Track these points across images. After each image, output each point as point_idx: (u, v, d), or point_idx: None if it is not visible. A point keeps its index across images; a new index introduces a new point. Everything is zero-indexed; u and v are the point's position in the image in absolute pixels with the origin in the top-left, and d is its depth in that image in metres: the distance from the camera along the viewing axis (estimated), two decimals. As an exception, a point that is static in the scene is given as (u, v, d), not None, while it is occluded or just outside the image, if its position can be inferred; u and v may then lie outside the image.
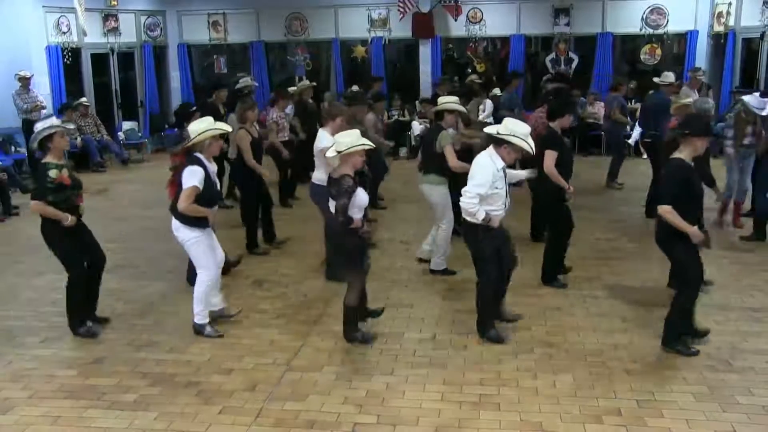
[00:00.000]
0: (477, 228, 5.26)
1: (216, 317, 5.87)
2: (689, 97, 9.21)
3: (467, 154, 5.97)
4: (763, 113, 7.71)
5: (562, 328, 5.69)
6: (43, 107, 12.26)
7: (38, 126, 5.52)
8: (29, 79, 12.21)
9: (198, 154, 5.43)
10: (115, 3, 14.33)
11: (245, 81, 11.49)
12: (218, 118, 7.41)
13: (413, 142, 13.96)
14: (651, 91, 10.01)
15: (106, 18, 14.52)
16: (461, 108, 7.03)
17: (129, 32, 15.12)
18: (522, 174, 6.05)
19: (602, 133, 13.39)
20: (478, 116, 10.29)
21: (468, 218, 5.28)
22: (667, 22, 14.33)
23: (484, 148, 5.44)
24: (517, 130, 5.19)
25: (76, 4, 12.84)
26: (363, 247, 5.43)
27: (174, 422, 4.40)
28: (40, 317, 6.17)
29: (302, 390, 4.76)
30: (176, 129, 7.33)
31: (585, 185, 10.14)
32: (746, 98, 7.93)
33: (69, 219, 5.44)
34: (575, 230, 6.69)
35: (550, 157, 6.27)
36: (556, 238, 6.61)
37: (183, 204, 5.33)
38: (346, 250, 5.32)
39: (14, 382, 4.99)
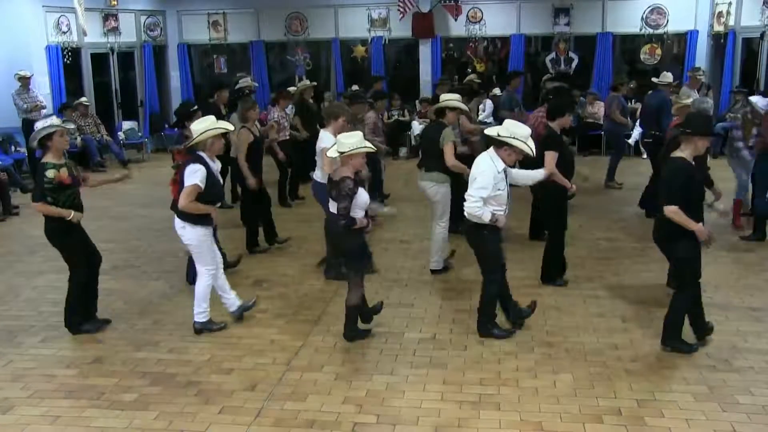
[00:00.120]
0: (482, 228, 5.27)
1: (239, 315, 5.91)
2: (690, 98, 9.21)
3: (469, 159, 5.95)
4: None
5: (562, 327, 5.69)
6: (43, 107, 12.25)
7: (38, 125, 5.52)
8: (29, 78, 12.21)
9: (201, 153, 5.45)
10: (115, 3, 14.32)
11: (245, 81, 11.50)
12: (220, 118, 7.42)
13: (413, 142, 13.96)
14: (650, 91, 10.01)
15: (106, 18, 14.51)
16: (463, 106, 7.02)
17: (129, 32, 15.12)
18: (538, 176, 5.87)
19: (602, 133, 13.40)
20: (478, 116, 10.29)
21: (473, 219, 5.28)
22: (667, 22, 14.33)
23: (485, 149, 5.44)
24: (517, 132, 5.19)
25: (76, 3, 12.83)
26: (364, 246, 5.43)
27: (174, 422, 4.39)
28: (39, 317, 6.17)
29: (302, 390, 4.76)
30: (176, 129, 7.32)
31: (585, 185, 10.13)
32: (753, 99, 7.95)
33: (72, 215, 5.46)
34: (575, 230, 6.68)
35: (550, 158, 6.26)
36: (557, 238, 6.61)
37: (183, 202, 5.34)
38: (346, 249, 5.33)
39: (14, 381, 4.99)
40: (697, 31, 14.18)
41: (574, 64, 14.95)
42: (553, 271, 6.63)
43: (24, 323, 6.04)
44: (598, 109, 13.53)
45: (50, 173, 5.36)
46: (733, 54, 13.60)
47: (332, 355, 5.30)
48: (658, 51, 14.66)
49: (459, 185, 6.38)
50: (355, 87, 12.54)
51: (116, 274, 7.06)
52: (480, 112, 10.85)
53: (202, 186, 5.35)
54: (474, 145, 8.26)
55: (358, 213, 5.24)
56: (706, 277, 5.43)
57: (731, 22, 13.48)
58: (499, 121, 8.25)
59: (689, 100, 8.56)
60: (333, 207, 5.26)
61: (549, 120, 6.63)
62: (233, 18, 15.84)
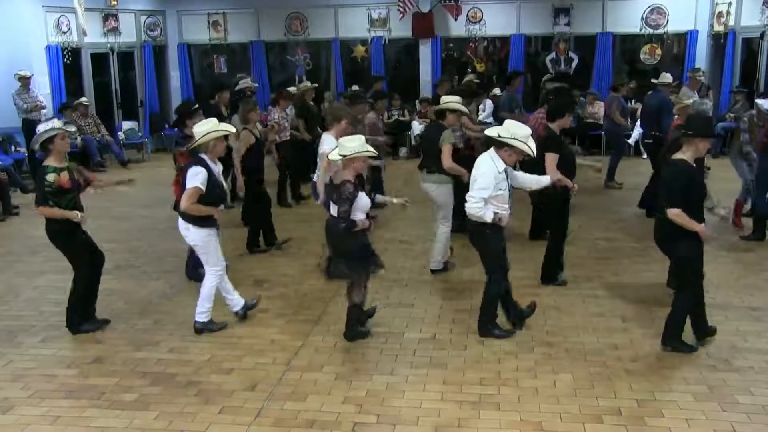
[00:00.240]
0: (485, 227, 5.27)
1: (243, 314, 5.93)
2: (691, 98, 9.22)
3: (470, 159, 5.94)
4: None
5: (562, 327, 5.69)
6: (43, 107, 12.26)
7: (40, 128, 5.53)
8: (29, 78, 12.21)
9: (202, 155, 5.46)
10: (115, 3, 14.32)
11: (245, 82, 11.50)
12: (221, 120, 7.43)
13: (413, 142, 13.96)
14: (650, 92, 10.00)
15: (106, 18, 14.51)
16: (463, 108, 7.02)
17: (129, 32, 15.12)
18: (544, 181, 5.81)
19: (602, 133, 13.40)
20: (477, 116, 10.29)
21: (475, 219, 5.29)
22: (667, 22, 14.33)
23: (485, 150, 5.45)
24: (517, 132, 5.20)
25: (76, 3, 12.83)
26: (366, 247, 5.43)
27: (174, 422, 4.40)
28: (40, 317, 6.17)
29: (302, 390, 4.76)
30: (176, 129, 7.32)
31: (585, 185, 10.13)
32: (759, 102, 7.96)
33: (78, 216, 5.47)
34: (575, 230, 6.69)
35: (551, 159, 6.26)
36: (558, 238, 6.61)
37: (185, 204, 5.37)
38: (346, 251, 5.34)
39: (14, 381, 4.99)
40: (697, 31, 14.18)
41: (574, 64, 14.95)
42: (552, 272, 6.63)
43: (24, 323, 6.04)
44: (598, 109, 13.53)
45: (50, 177, 5.37)
46: (733, 54, 13.60)
47: (332, 355, 5.30)
48: (658, 51, 14.66)
49: (460, 185, 6.38)
50: (355, 87, 12.53)
51: (117, 274, 7.07)
52: (480, 113, 10.85)
53: (204, 188, 5.36)
54: (475, 145, 8.25)
55: (358, 215, 5.24)
56: (706, 276, 5.43)
57: (731, 22, 13.47)
58: (499, 121, 8.24)
59: (690, 101, 8.58)
60: (333, 210, 5.26)
61: (549, 121, 6.63)
62: (233, 18, 15.84)
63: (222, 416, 4.45)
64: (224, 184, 5.82)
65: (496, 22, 14.96)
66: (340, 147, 5.25)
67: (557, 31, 14.79)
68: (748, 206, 8.51)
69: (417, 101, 15.00)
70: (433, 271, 7.03)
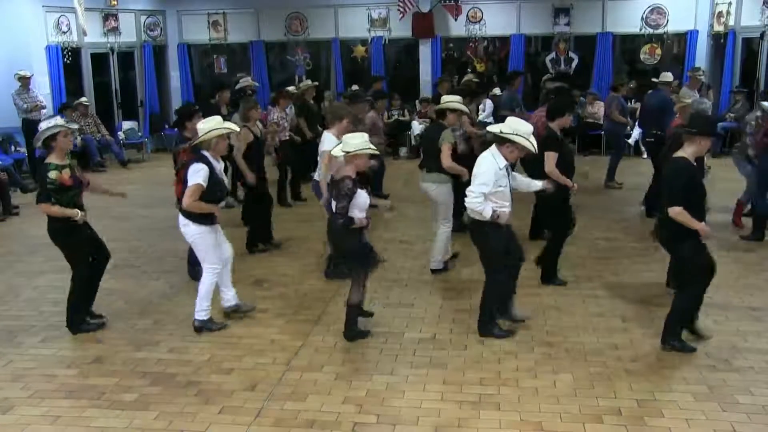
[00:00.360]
0: (484, 225, 5.28)
1: (230, 312, 5.93)
2: (691, 98, 9.21)
3: (470, 158, 5.95)
4: None
5: (562, 327, 5.69)
6: (43, 107, 12.25)
7: (42, 125, 5.54)
8: (29, 78, 12.20)
9: (204, 152, 5.47)
10: (115, 3, 14.32)
11: (246, 81, 11.51)
12: (223, 119, 7.45)
13: (413, 142, 13.96)
14: (650, 91, 10.00)
15: (106, 18, 14.51)
16: (464, 108, 7.02)
17: (129, 32, 15.11)
18: (537, 185, 5.86)
19: (602, 133, 13.40)
20: (477, 116, 10.28)
21: (475, 216, 5.30)
22: (667, 21, 14.32)
23: (484, 150, 5.45)
24: (520, 128, 5.22)
25: (76, 3, 12.83)
26: (366, 246, 5.43)
27: (174, 422, 4.40)
28: (40, 317, 6.17)
29: (302, 390, 4.76)
30: (176, 129, 7.32)
31: (585, 185, 10.14)
32: (765, 104, 7.95)
33: (79, 215, 5.48)
34: (575, 230, 6.68)
35: (550, 158, 6.28)
36: (558, 238, 6.61)
37: (187, 201, 5.38)
38: (346, 249, 5.34)
39: (14, 381, 4.99)
40: (697, 31, 14.18)
41: (574, 64, 14.95)
42: (552, 271, 6.64)
43: (24, 323, 6.04)
44: (598, 109, 13.53)
45: (52, 174, 5.38)
46: (733, 54, 13.60)
47: (332, 355, 5.30)
48: (658, 51, 14.65)
49: (459, 184, 6.38)
50: (355, 87, 12.54)
51: (117, 273, 7.06)
52: (480, 112, 10.84)
53: (205, 185, 5.37)
54: (474, 145, 8.25)
55: (356, 213, 5.24)
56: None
57: (731, 22, 13.47)
58: (499, 120, 8.24)
59: (689, 100, 8.56)
60: (334, 206, 5.28)
61: (549, 120, 6.63)
62: (233, 18, 15.84)
63: (222, 416, 4.45)
64: (226, 181, 5.83)
65: (496, 22, 14.95)
66: (344, 144, 5.28)
67: (557, 31, 14.78)
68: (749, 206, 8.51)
69: (417, 101, 14.99)
70: (433, 271, 7.03)
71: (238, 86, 11.26)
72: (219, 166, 5.62)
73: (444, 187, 6.75)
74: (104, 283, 6.05)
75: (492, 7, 14.92)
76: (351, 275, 5.43)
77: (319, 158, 6.91)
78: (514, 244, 5.63)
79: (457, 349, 5.34)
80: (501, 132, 5.23)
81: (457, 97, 7.03)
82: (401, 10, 14.39)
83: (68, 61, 13.69)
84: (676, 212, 4.88)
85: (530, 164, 6.16)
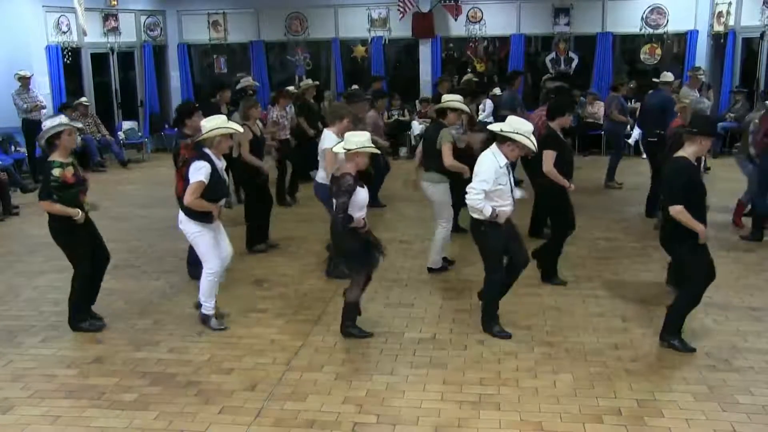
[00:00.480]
0: (483, 224, 5.28)
1: (197, 307, 5.90)
2: (691, 97, 9.21)
3: (469, 157, 5.95)
4: None
5: (562, 327, 5.69)
6: (43, 107, 12.25)
7: (47, 123, 5.55)
8: (29, 78, 12.19)
9: (206, 150, 5.47)
10: (115, 3, 14.32)
11: (246, 81, 11.52)
12: (224, 119, 7.48)
13: (413, 142, 13.96)
14: (650, 91, 9.99)
15: (106, 18, 14.51)
16: (464, 107, 7.02)
17: (129, 32, 15.11)
18: (518, 194, 5.65)
19: (602, 133, 13.40)
20: (478, 116, 10.29)
21: (474, 215, 5.30)
22: (667, 21, 14.32)
23: (484, 150, 5.46)
24: (520, 127, 5.23)
25: (76, 3, 12.83)
26: (367, 245, 5.43)
27: (174, 422, 4.39)
28: (40, 317, 6.17)
29: (302, 390, 4.76)
30: (176, 129, 7.33)
31: (585, 185, 10.14)
32: None
33: (79, 215, 5.49)
34: (575, 230, 6.69)
35: (549, 157, 6.28)
36: (558, 237, 6.61)
37: (188, 198, 5.39)
38: (346, 249, 5.34)
39: (14, 381, 4.98)
40: (697, 31, 14.18)
41: (574, 64, 14.95)
42: (551, 270, 6.64)
43: (24, 323, 6.04)
44: (598, 109, 13.53)
45: (56, 171, 5.39)
46: (733, 54, 13.60)
47: (332, 355, 5.30)
48: (658, 51, 14.65)
49: (458, 185, 6.38)
50: (355, 87, 12.54)
51: (116, 273, 7.05)
52: (480, 112, 10.84)
53: (207, 182, 5.39)
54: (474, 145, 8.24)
55: (356, 212, 5.25)
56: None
57: (731, 22, 13.47)
58: (499, 120, 8.24)
59: (688, 99, 8.56)
60: (334, 203, 5.28)
61: (549, 120, 6.64)
62: (233, 18, 15.83)
63: (222, 416, 4.45)
64: (227, 180, 5.84)
65: (496, 22, 14.95)
66: (346, 141, 5.30)
67: (557, 31, 14.78)
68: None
69: (417, 101, 15.00)
70: (430, 270, 7.03)
71: (239, 86, 11.28)
72: (221, 164, 5.62)
73: (440, 187, 6.76)
74: (104, 283, 6.04)
75: (492, 7, 14.92)
76: (350, 275, 5.43)
77: (319, 157, 6.91)
78: (518, 246, 5.60)
79: (457, 349, 5.33)
80: (502, 131, 5.24)
81: (458, 96, 7.04)
82: (401, 10, 14.39)
83: (68, 61, 13.69)
84: (677, 211, 4.88)
85: (531, 163, 6.16)
